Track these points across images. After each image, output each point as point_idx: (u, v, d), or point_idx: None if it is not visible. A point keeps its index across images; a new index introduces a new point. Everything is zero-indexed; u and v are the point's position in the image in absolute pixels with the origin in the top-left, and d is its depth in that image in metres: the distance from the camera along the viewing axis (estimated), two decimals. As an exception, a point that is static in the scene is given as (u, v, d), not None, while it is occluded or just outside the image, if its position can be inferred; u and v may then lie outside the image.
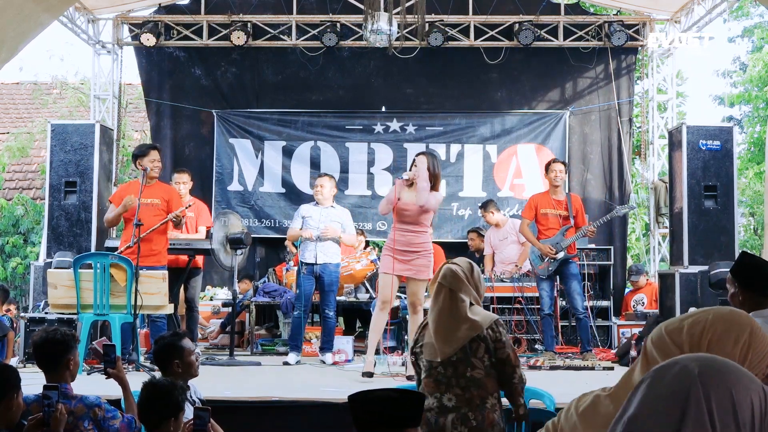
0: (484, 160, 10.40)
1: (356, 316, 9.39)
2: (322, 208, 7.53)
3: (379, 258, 9.36)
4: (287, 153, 10.40)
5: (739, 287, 3.40)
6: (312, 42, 10.21)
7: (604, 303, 9.06)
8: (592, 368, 6.99)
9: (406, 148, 10.33)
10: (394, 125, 10.42)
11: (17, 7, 5.81)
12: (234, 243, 7.43)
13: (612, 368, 7.02)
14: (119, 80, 10.59)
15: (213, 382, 5.75)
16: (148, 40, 9.93)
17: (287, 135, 10.44)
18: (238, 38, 9.98)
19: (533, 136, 10.39)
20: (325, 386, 5.91)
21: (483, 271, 8.81)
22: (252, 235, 8.12)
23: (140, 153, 7.10)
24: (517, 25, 10.01)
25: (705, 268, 8.07)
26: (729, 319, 1.56)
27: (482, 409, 3.25)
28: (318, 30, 10.04)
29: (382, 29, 7.85)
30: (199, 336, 8.44)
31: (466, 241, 9.78)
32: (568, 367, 6.99)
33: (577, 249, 8.00)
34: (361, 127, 10.46)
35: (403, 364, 6.82)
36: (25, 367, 6.54)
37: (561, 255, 7.51)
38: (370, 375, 6.21)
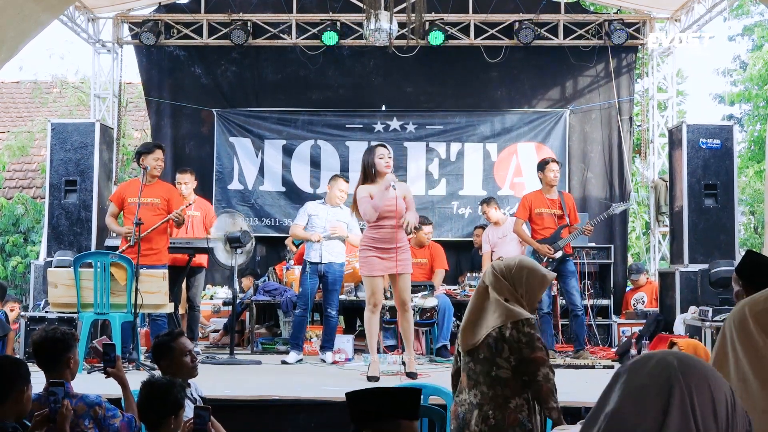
0: (485, 159, 10.40)
1: (357, 315, 9.38)
2: (329, 207, 7.52)
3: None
4: (287, 152, 10.40)
5: (744, 285, 3.40)
6: (312, 41, 10.21)
7: (605, 301, 9.06)
8: (593, 367, 6.99)
9: (407, 147, 10.34)
10: (395, 124, 10.42)
11: (17, 7, 5.81)
12: (232, 242, 7.43)
13: (612, 367, 7.02)
14: (119, 79, 10.59)
15: (213, 380, 5.76)
16: (148, 38, 9.93)
17: (287, 134, 10.44)
18: (238, 37, 9.98)
19: (533, 135, 10.39)
20: (324, 385, 5.91)
21: (481, 270, 8.80)
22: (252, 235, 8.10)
23: (146, 150, 7.10)
24: (517, 24, 10.01)
25: (705, 266, 8.07)
26: None
27: (505, 408, 3.21)
28: (318, 29, 10.03)
29: (383, 28, 7.84)
30: (200, 335, 8.44)
31: (466, 239, 9.77)
32: (568, 366, 6.99)
33: (578, 247, 8.01)
34: (361, 126, 10.46)
35: (402, 363, 6.82)
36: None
37: (559, 254, 7.51)
38: (376, 379, 6.18)
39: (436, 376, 6.23)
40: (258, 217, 10.27)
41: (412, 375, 6.12)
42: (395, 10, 8.09)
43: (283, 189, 10.37)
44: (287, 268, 8.94)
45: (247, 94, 10.59)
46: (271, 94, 10.59)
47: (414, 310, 7.58)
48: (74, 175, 8.68)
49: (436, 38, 9.81)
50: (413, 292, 6.98)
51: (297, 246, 9.35)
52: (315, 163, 10.37)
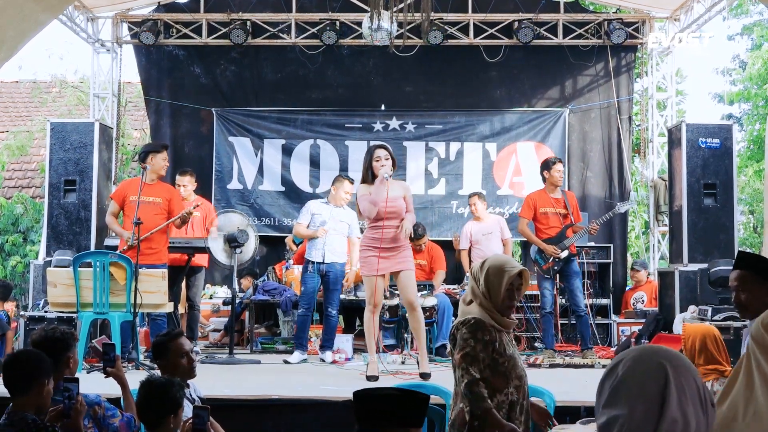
0: (484, 158, 10.40)
1: (356, 315, 9.38)
2: (332, 207, 7.52)
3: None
4: (287, 151, 10.40)
5: (753, 279, 3.42)
6: (311, 40, 10.21)
7: (604, 301, 9.07)
8: (592, 366, 6.99)
9: (406, 147, 10.34)
10: (394, 123, 10.41)
11: (17, 7, 5.81)
12: (230, 242, 7.43)
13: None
14: (118, 79, 10.59)
15: (212, 380, 5.76)
16: (148, 38, 9.92)
17: (287, 133, 10.44)
18: (238, 36, 9.98)
19: (533, 134, 10.39)
20: (324, 385, 5.91)
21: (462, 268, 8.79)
22: (256, 234, 8.10)
23: (154, 149, 7.13)
24: (516, 23, 10.01)
25: (704, 266, 8.07)
26: None
27: (456, 407, 3.29)
28: (317, 28, 10.03)
29: (383, 27, 7.84)
30: (199, 335, 8.44)
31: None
32: (568, 365, 7.00)
33: (578, 247, 8.01)
34: (360, 126, 10.46)
35: (402, 362, 6.83)
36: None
37: (565, 254, 7.53)
38: (375, 378, 6.18)
39: (436, 375, 6.22)
40: (257, 216, 10.26)
41: (425, 375, 6.11)
42: (395, 9, 8.08)
43: (283, 188, 10.37)
44: (287, 268, 8.94)
45: (246, 94, 10.59)
46: (271, 93, 10.58)
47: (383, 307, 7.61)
48: (73, 175, 8.67)
49: (435, 37, 9.81)
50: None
51: (297, 245, 9.35)
52: (314, 163, 10.37)
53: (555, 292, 7.87)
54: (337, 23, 10.01)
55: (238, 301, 8.12)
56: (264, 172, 10.37)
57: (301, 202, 9.88)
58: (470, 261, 8.53)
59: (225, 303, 9.03)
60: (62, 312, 7.07)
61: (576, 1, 10.63)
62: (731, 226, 8.50)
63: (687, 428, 1.46)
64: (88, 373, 6.19)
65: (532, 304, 8.36)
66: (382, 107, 10.41)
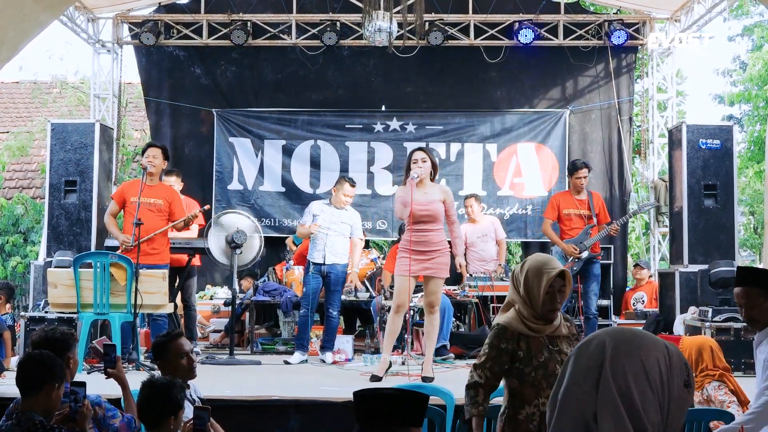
0: (484, 159, 10.40)
1: (356, 315, 9.39)
2: (334, 208, 7.53)
3: (378, 257, 9.37)
4: (287, 152, 10.40)
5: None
6: (312, 41, 10.21)
7: (604, 302, 9.05)
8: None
9: (406, 147, 10.31)
10: (394, 124, 10.42)
11: (17, 7, 5.81)
12: (229, 242, 7.44)
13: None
14: (119, 79, 10.59)
15: (213, 381, 5.76)
16: (148, 39, 9.93)
17: (287, 134, 10.44)
18: (238, 37, 9.98)
19: (533, 135, 10.39)
20: (324, 385, 5.91)
21: None
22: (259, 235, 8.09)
23: (142, 151, 7.22)
24: (516, 24, 10.01)
25: (705, 266, 8.07)
26: None
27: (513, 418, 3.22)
28: (318, 29, 10.03)
29: (382, 28, 7.84)
30: (199, 335, 8.44)
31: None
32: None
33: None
34: (360, 126, 10.46)
35: (403, 363, 6.82)
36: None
37: (585, 254, 7.54)
38: (378, 378, 6.16)
39: (436, 376, 6.23)
40: (258, 217, 10.22)
41: (426, 378, 6.10)
42: (394, 10, 8.08)
43: (283, 189, 10.37)
44: (287, 269, 8.94)
45: (246, 94, 10.59)
46: (271, 94, 10.59)
47: (413, 310, 7.59)
48: (74, 176, 8.67)
49: (435, 38, 9.82)
50: (414, 292, 6.97)
51: (297, 245, 9.35)
52: (315, 164, 10.37)
53: (574, 293, 7.83)
54: (338, 24, 10.01)
55: (238, 301, 8.11)
56: (264, 172, 10.37)
57: (301, 202, 9.90)
58: (466, 263, 8.58)
59: (225, 304, 9.02)
60: (63, 313, 7.06)
61: (576, 2, 10.63)
62: (732, 227, 8.50)
63: (631, 403, 1.50)
64: (88, 373, 6.19)
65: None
66: (383, 108, 10.41)
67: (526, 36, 9.88)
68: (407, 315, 6.76)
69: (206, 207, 7.58)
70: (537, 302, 3.12)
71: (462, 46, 10.28)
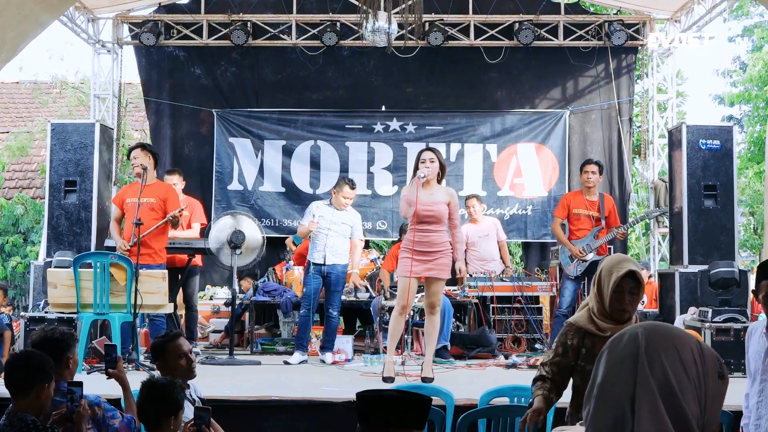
0: (484, 160, 10.40)
1: (356, 316, 9.39)
2: (334, 209, 7.52)
3: (378, 258, 9.38)
4: (287, 152, 10.40)
5: None
6: (312, 41, 10.21)
7: (604, 302, 9.05)
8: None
9: (406, 148, 10.34)
10: (394, 124, 10.42)
11: (17, 7, 5.81)
12: (228, 243, 7.44)
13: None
14: (119, 79, 10.59)
15: (213, 381, 5.76)
16: (148, 39, 9.93)
17: (287, 134, 10.44)
18: (238, 37, 9.98)
19: (533, 136, 10.39)
20: (324, 386, 5.91)
21: None
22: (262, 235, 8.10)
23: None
24: (517, 25, 10.01)
25: (705, 267, 8.06)
26: None
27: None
28: (318, 29, 10.03)
29: (382, 28, 7.83)
30: (199, 335, 8.43)
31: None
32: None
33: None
34: (360, 127, 10.46)
35: (402, 364, 6.82)
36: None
37: (590, 257, 7.54)
38: (391, 380, 6.12)
39: (437, 376, 6.23)
40: (258, 217, 10.19)
41: (426, 379, 6.09)
42: (394, 11, 8.07)
43: (283, 189, 10.38)
44: (287, 269, 8.94)
45: (246, 95, 10.59)
46: (271, 94, 10.59)
47: (413, 310, 7.58)
48: (74, 176, 8.66)
49: (436, 39, 9.82)
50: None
51: (297, 245, 9.35)
52: (315, 164, 10.37)
53: (578, 296, 7.80)
54: (338, 24, 10.01)
55: (238, 302, 8.12)
56: (264, 173, 10.37)
57: (301, 203, 9.90)
58: (466, 263, 8.57)
59: (225, 304, 9.02)
60: (62, 313, 7.06)
61: (577, 2, 10.63)
62: (731, 228, 8.50)
63: (670, 392, 1.49)
64: (88, 373, 6.19)
65: (532, 306, 8.36)
66: (383, 108, 10.41)
67: (526, 37, 9.88)
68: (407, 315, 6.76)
69: (184, 208, 7.46)
70: (606, 300, 3.18)
71: (462, 47, 10.28)
